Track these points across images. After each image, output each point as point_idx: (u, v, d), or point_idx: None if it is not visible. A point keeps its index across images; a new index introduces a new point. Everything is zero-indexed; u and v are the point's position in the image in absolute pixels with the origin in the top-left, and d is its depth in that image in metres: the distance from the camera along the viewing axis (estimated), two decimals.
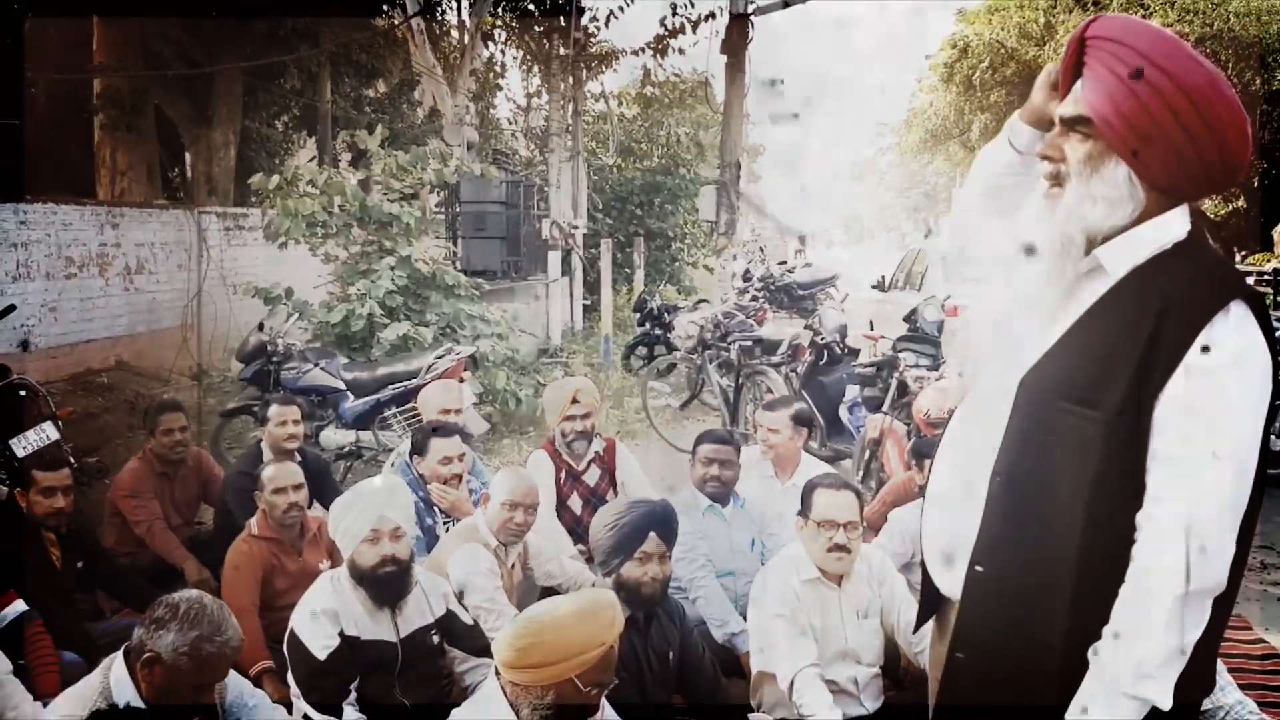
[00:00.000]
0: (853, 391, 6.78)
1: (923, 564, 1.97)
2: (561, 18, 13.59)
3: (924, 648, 2.72)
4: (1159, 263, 1.61)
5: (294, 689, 3.00)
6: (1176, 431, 1.52)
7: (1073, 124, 1.64)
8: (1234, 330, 1.52)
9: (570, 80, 14.01)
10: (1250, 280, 10.11)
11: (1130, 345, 1.56)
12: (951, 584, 1.84)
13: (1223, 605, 1.56)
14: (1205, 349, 1.52)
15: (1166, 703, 1.51)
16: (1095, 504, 1.58)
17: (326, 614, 2.98)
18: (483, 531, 3.60)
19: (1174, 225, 1.63)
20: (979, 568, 1.72)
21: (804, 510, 3.22)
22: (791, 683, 2.95)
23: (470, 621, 3.28)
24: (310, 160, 13.51)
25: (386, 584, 3.04)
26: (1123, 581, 1.56)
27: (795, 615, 3.09)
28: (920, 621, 2.15)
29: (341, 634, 2.98)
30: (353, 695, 2.98)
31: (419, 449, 4.19)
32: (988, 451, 1.73)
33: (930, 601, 1.99)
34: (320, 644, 2.94)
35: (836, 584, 3.20)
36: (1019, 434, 1.69)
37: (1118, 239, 1.63)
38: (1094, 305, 1.65)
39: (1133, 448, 1.56)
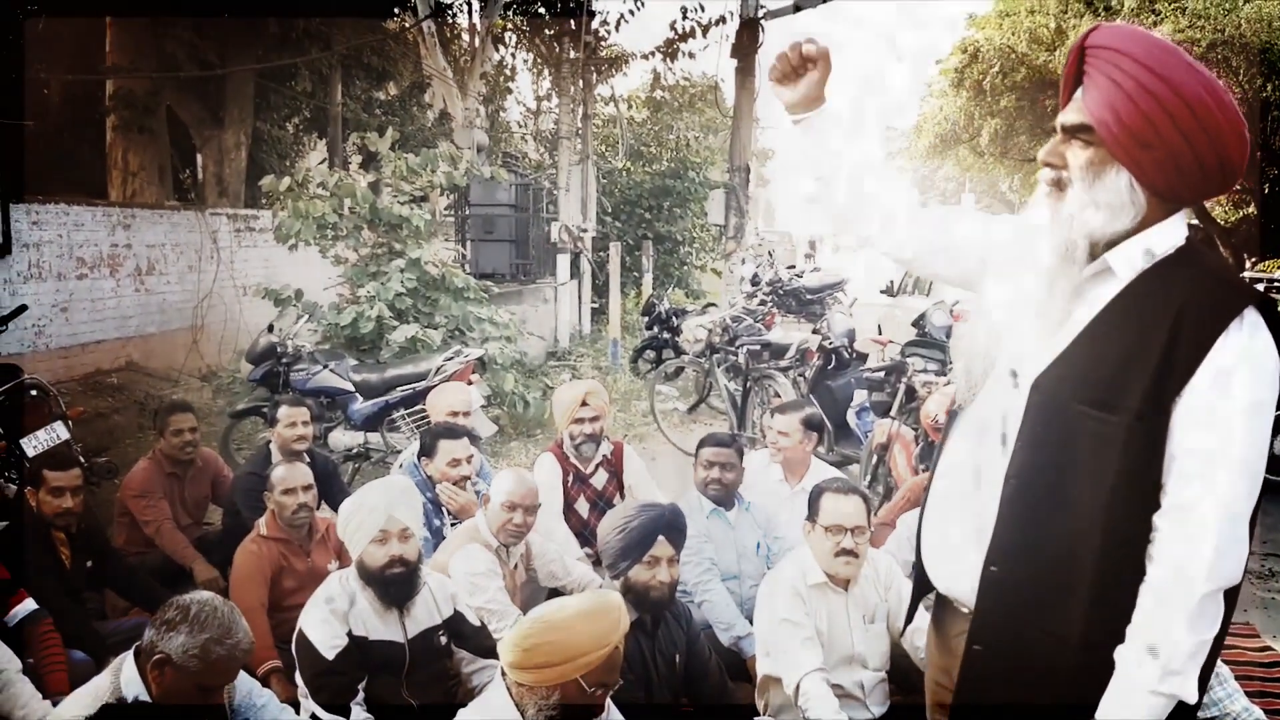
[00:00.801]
0: (860, 396, 6.78)
1: (917, 562, 1.99)
2: (572, 21, 13.66)
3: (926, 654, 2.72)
4: (1166, 267, 1.64)
5: (302, 689, 3.01)
6: (1195, 434, 1.56)
7: (1074, 131, 1.67)
8: (1250, 336, 1.55)
9: (580, 84, 14.06)
10: (1260, 287, 10.08)
11: (1146, 349, 1.59)
12: (953, 585, 1.86)
13: (1230, 600, 1.59)
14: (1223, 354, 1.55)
15: (1193, 697, 1.56)
16: (1113, 505, 1.61)
17: (335, 614, 2.99)
18: (484, 532, 3.61)
19: (1177, 230, 1.66)
20: (994, 568, 1.74)
21: (812, 515, 3.22)
22: (798, 687, 2.94)
23: (477, 623, 3.29)
24: (321, 162, 13.58)
25: (394, 585, 3.05)
26: (1139, 580, 1.59)
27: (802, 620, 3.09)
28: (908, 616, 2.18)
29: (350, 634, 2.99)
30: (360, 695, 2.99)
31: (427, 451, 4.20)
32: (994, 454, 1.75)
33: (919, 596, 2.02)
34: (328, 644, 2.95)
35: (843, 589, 3.20)
36: (1033, 436, 1.70)
37: (1125, 243, 1.66)
38: (1105, 309, 1.67)
39: (1150, 450, 1.59)
